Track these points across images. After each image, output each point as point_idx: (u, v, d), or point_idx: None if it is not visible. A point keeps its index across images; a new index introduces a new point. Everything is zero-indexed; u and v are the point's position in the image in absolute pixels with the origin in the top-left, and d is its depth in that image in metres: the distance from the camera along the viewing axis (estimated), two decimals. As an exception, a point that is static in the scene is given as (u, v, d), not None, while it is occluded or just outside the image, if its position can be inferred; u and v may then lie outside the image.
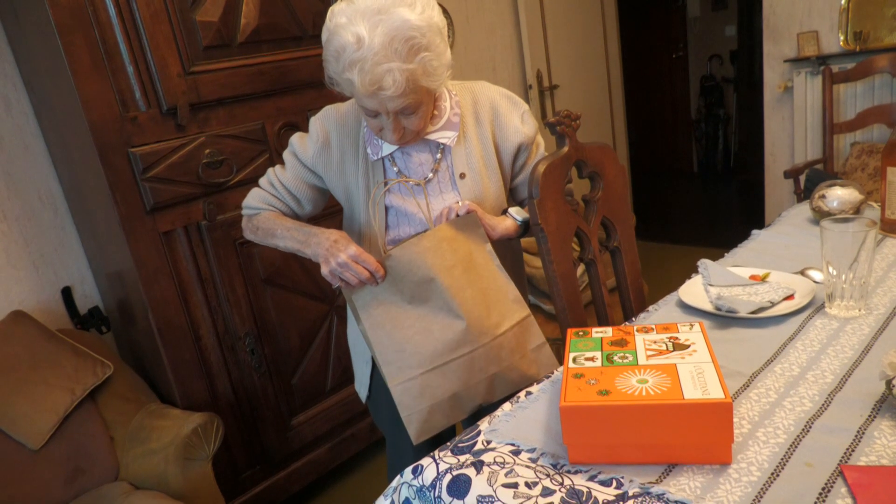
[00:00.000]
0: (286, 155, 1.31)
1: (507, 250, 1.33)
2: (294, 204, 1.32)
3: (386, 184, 1.21)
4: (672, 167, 5.95)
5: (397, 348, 1.14)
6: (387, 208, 1.23)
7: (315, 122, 1.27)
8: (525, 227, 1.27)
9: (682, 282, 1.30)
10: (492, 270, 1.18)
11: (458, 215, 1.15)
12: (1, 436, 1.54)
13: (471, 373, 1.15)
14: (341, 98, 1.17)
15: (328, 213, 1.89)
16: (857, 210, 1.49)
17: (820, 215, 1.50)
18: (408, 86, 1.04)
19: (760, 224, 1.62)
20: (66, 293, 1.95)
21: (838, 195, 1.50)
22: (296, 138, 1.30)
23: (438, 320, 1.14)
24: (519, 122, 1.25)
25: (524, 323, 1.20)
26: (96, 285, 2.02)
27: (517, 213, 1.27)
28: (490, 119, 1.25)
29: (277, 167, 1.33)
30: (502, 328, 1.17)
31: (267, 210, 1.31)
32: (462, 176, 1.22)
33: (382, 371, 1.16)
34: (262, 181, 1.34)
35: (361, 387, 1.39)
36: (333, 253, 1.12)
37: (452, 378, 1.15)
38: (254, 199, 1.33)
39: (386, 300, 1.15)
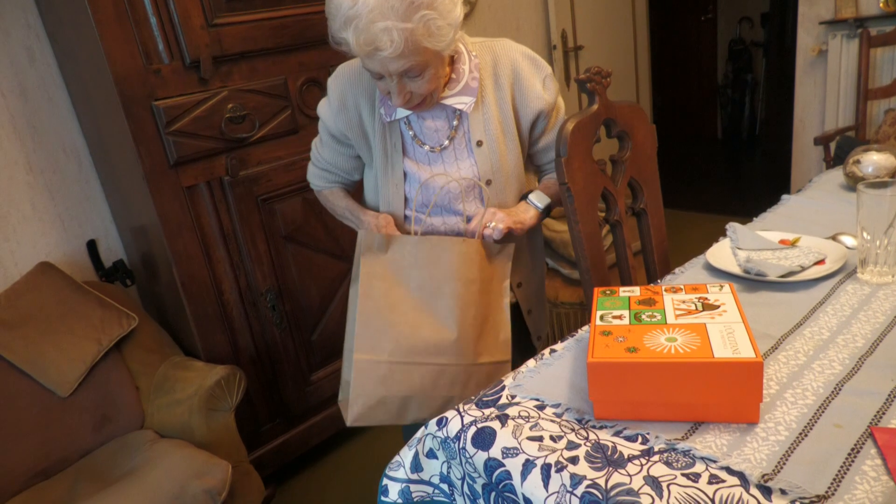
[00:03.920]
0: (319, 126, 1.30)
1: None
2: (344, 175, 1.35)
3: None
4: (696, 133, 5.83)
5: (379, 326, 1.10)
6: (404, 174, 1.21)
7: (329, 84, 1.23)
8: (546, 213, 1.26)
9: (703, 249, 1.28)
10: (500, 305, 1.18)
11: (488, 230, 1.14)
12: (31, 382, 1.59)
13: (434, 385, 1.13)
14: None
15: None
16: (893, 176, 1.45)
17: (853, 180, 1.47)
18: (407, 46, 0.97)
19: (786, 192, 1.59)
20: (91, 246, 1.97)
21: (874, 160, 1.46)
22: (320, 107, 1.27)
23: (433, 321, 1.11)
24: (541, 87, 1.20)
25: (502, 366, 1.20)
26: (120, 239, 2.04)
27: (538, 200, 1.24)
28: (510, 83, 1.19)
29: (316, 140, 1.34)
30: (482, 359, 1.17)
31: (326, 187, 1.36)
32: (479, 143, 1.18)
33: (353, 340, 1.11)
34: (312, 154, 1.36)
35: None
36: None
37: (415, 380, 1.12)
38: (312, 175, 1.38)
39: (392, 277, 1.10)
